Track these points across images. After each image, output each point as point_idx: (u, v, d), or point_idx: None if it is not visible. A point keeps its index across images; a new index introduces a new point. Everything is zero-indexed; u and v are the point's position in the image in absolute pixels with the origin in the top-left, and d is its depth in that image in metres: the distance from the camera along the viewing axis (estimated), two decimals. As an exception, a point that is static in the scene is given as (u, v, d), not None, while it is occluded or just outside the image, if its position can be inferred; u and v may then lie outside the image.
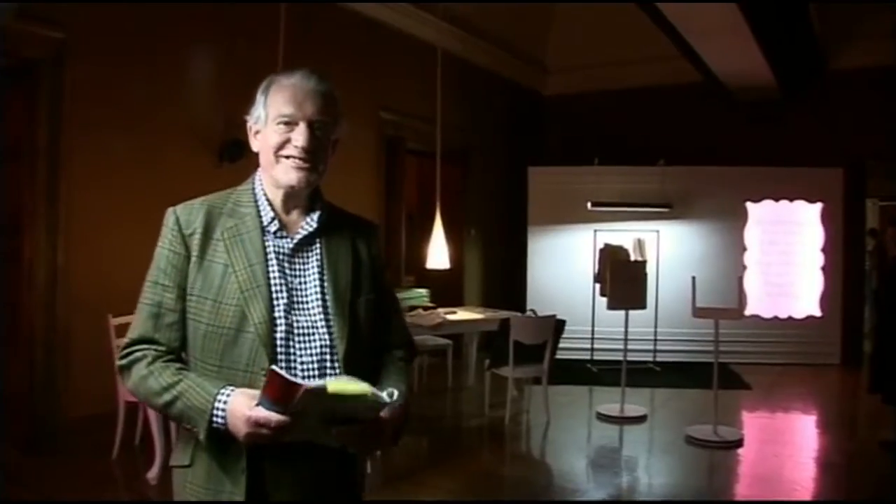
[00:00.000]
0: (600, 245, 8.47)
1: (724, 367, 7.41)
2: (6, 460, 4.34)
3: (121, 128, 5.05)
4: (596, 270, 8.32)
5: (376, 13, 7.41)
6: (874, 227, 12.58)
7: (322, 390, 1.40)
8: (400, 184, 8.04)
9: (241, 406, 1.45)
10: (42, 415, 4.71)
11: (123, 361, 1.61)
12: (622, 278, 6.42)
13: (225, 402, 1.48)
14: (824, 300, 8.85)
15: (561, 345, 6.31)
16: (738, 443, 5.56)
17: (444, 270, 6.76)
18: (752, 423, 6.53)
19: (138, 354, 1.59)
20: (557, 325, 6.06)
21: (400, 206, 8.04)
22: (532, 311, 7.04)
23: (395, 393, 1.49)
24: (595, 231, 8.68)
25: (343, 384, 1.44)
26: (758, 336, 8.67)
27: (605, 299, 6.61)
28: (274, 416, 1.40)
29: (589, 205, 8.76)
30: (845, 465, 5.29)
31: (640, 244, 8.61)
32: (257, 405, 1.42)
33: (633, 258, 8.18)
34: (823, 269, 8.88)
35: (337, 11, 6.94)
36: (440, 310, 6.48)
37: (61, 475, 4.38)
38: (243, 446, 1.48)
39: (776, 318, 8.89)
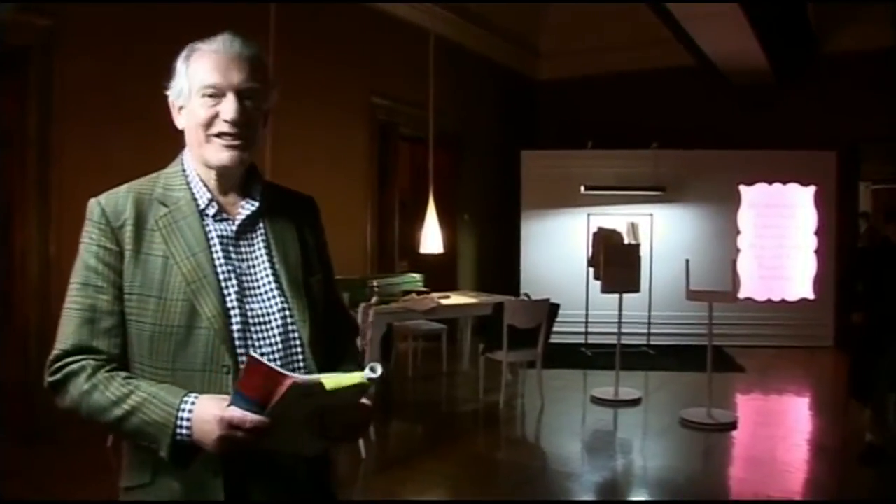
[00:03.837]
0: (594, 229, 8.45)
1: (718, 349, 7.43)
2: (1, 452, 4.34)
3: (115, 118, 4.99)
4: (589, 254, 8.32)
5: (368, -3, 7.37)
6: (866, 210, 12.62)
7: (315, 386, 1.26)
8: (393, 169, 8.02)
9: (210, 408, 1.29)
10: (37, 406, 4.70)
11: (57, 377, 1.39)
12: (616, 262, 6.42)
13: (190, 412, 1.31)
14: (817, 283, 8.89)
15: (555, 329, 6.33)
16: (733, 425, 5.59)
17: (438, 255, 6.76)
18: (746, 406, 6.57)
19: (74, 367, 1.38)
20: (551, 309, 6.07)
21: (393, 192, 8.03)
22: (526, 295, 7.03)
23: (379, 367, 1.36)
24: (588, 215, 8.68)
25: (338, 378, 1.30)
26: (751, 319, 8.71)
27: (598, 283, 6.62)
28: (250, 416, 1.24)
29: (582, 189, 8.77)
30: (838, 447, 5.32)
31: (633, 228, 8.61)
32: (230, 405, 1.27)
33: (626, 242, 8.18)
34: (817, 251, 8.90)
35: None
36: (434, 294, 6.48)
37: (58, 465, 4.39)
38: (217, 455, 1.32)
39: (770, 300, 8.93)
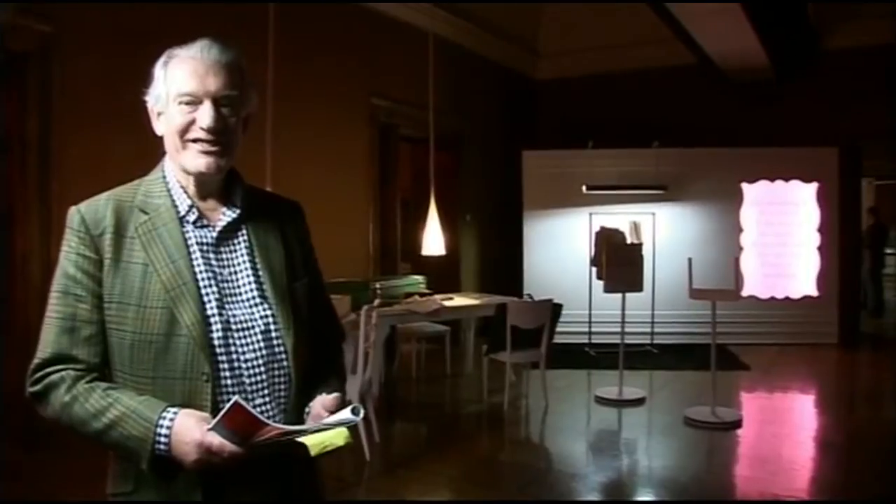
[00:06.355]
0: (596, 228, 8.44)
1: (722, 348, 7.42)
2: (3, 457, 4.33)
3: (115, 122, 4.95)
4: (592, 254, 8.31)
5: (367, -1, 7.36)
6: (873, 206, 12.63)
7: (297, 443, 1.31)
8: (394, 171, 8.01)
9: (190, 429, 1.30)
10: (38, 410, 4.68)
11: (38, 388, 1.42)
12: (618, 261, 6.41)
13: (168, 428, 1.31)
14: (821, 280, 8.86)
15: (558, 329, 6.32)
16: (737, 424, 5.58)
17: (440, 257, 6.75)
18: (751, 404, 6.55)
19: (55, 378, 1.40)
20: (554, 310, 6.06)
21: (394, 193, 8.02)
22: (529, 295, 7.04)
23: (361, 409, 1.36)
24: (590, 214, 8.65)
25: (322, 441, 1.32)
26: (755, 317, 8.68)
27: (601, 283, 6.61)
28: (229, 446, 1.27)
29: (584, 188, 8.75)
30: (844, 445, 5.31)
31: (635, 227, 8.59)
32: (210, 429, 1.28)
33: (629, 241, 8.16)
34: (820, 248, 8.88)
35: (327, -2, 6.88)
36: (437, 296, 6.47)
37: (59, 470, 4.36)
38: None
39: (773, 298, 8.90)
